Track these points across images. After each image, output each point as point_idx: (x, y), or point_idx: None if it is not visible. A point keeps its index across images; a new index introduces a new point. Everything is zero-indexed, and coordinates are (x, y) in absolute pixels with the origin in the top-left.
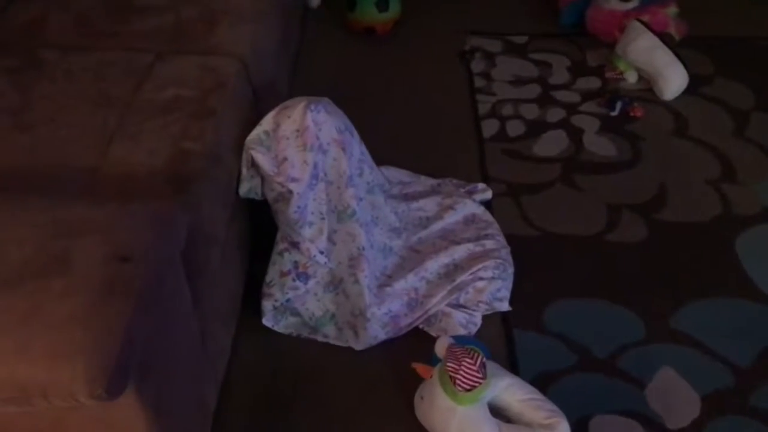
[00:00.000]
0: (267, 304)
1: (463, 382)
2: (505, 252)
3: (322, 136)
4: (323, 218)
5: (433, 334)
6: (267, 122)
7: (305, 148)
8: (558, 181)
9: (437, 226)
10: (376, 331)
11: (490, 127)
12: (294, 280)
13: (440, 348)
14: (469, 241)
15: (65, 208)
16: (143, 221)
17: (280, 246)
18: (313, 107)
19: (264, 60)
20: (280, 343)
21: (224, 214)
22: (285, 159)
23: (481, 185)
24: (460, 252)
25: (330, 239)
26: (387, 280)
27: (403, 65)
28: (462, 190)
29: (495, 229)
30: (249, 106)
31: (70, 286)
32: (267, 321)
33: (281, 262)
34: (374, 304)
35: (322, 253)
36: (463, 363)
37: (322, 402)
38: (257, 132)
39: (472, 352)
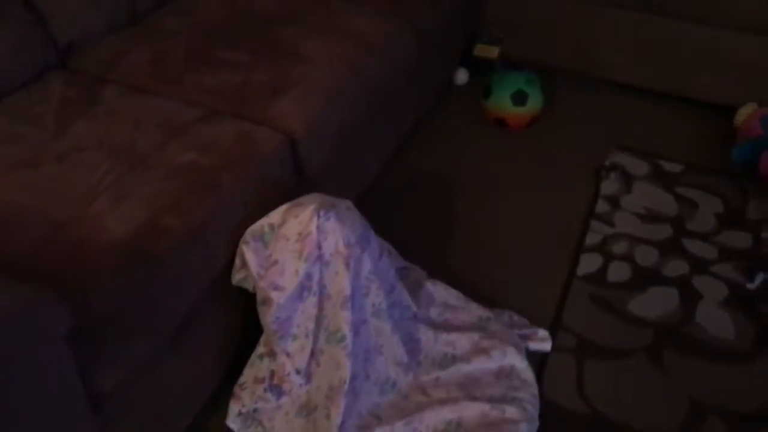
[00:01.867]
0: (234, 407)
1: None
2: (528, 429)
3: (325, 246)
4: (308, 336)
5: None
6: (276, 215)
7: (301, 256)
8: (642, 351)
9: (461, 369)
10: None
11: (589, 263)
12: (266, 390)
13: None
14: (489, 401)
15: None
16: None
17: (261, 349)
18: (322, 213)
19: (322, 141)
20: None
21: (182, 301)
22: (276, 262)
23: (542, 332)
24: (470, 412)
25: (315, 359)
26: (372, 421)
27: (525, 166)
28: (516, 331)
29: (530, 393)
30: (277, 187)
31: None
32: (232, 423)
33: (258, 366)
34: None
35: (298, 372)
36: None
37: None
38: (262, 223)
39: None
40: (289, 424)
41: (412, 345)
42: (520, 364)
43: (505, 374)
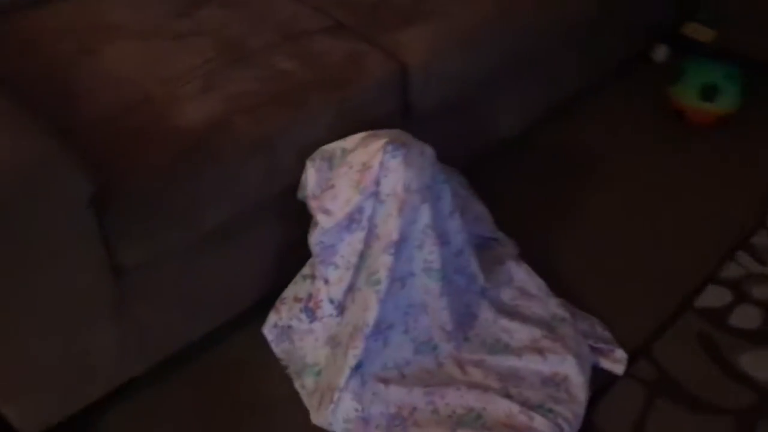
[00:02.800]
0: (272, 318)
1: None
2: None
3: (384, 183)
4: (349, 269)
5: None
6: (351, 141)
7: (357, 187)
8: (733, 414)
9: (509, 361)
10: (334, 419)
11: (713, 297)
12: (301, 311)
13: None
14: (522, 403)
15: None
16: None
17: (306, 270)
18: (390, 149)
19: (440, 82)
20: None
21: (231, 205)
22: (332, 187)
23: (620, 353)
24: (496, 407)
25: (352, 295)
26: (394, 376)
27: (687, 169)
28: (590, 342)
29: (572, 411)
30: (374, 119)
31: None
32: (267, 332)
33: (300, 285)
34: (350, 392)
35: (332, 302)
36: None
37: None
38: (336, 146)
39: None
40: (316, 350)
41: (465, 318)
42: (576, 377)
43: (553, 382)
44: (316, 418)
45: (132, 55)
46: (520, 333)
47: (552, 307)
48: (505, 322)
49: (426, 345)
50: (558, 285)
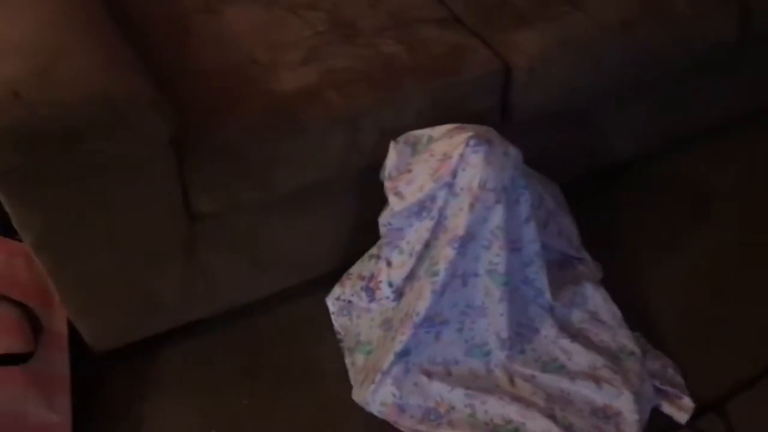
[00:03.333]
0: (336, 290)
1: None
2: None
3: (460, 176)
4: (412, 256)
5: None
6: (439, 130)
7: (433, 175)
8: None
9: (561, 383)
10: (371, 400)
11: None
12: (362, 289)
13: None
14: (565, 428)
15: None
16: None
17: (374, 250)
18: (472, 143)
19: (546, 89)
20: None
21: (307, 174)
22: (409, 171)
23: (687, 401)
24: (535, 425)
25: (411, 282)
26: (439, 372)
27: None
28: (656, 383)
29: None
30: (468, 115)
31: None
32: (330, 303)
33: (366, 264)
34: (392, 377)
35: (390, 286)
36: None
37: None
38: (424, 132)
39: None
40: (370, 329)
41: (525, 330)
42: (630, 415)
43: (604, 415)
44: (357, 395)
45: (249, 19)
46: (580, 357)
47: (622, 338)
48: (566, 342)
49: (479, 349)
50: (638, 320)
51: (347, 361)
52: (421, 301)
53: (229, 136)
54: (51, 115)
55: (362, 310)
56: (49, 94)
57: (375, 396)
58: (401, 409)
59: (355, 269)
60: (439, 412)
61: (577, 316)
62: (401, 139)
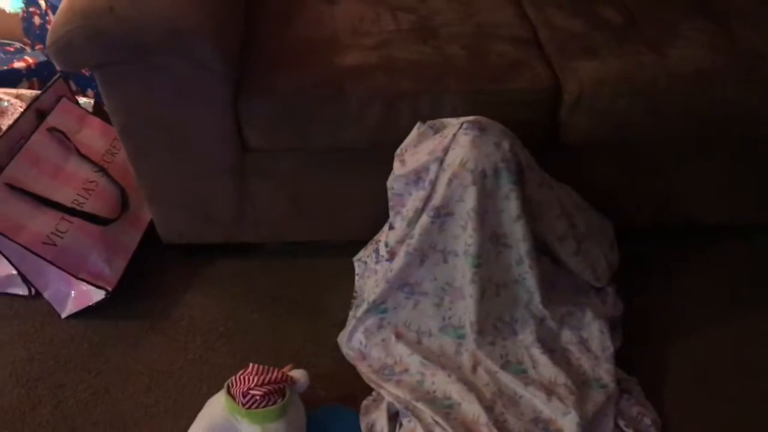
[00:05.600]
0: (361, 252)
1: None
2: None
3: (450, 154)
4: (405, 221)
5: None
6: (460, 119)
7: (429, 149)
8: None
9: (513, 384)
10: (343, 342)
11: None
12: (374, 251)
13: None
14: (495, 422)
15: None
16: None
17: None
18: (465, 126)
19: (594, 114)
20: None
21: (340, 138)
22: (418, 144)
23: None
24: (469, 409)
25: (401, 245)
26: (411, 337)
27: None
28: (622, 423)
29: None
30: (500, 120)
31: None
32: (355, 262)
33: (384, 229)
34: (364, 327)
35: (386, 246)
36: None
37: None
38: (450, 120)
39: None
40: (372, 288)
41: (502, 326)
42: None
43: (544, 426)
44: (339, 336)
45: (354, 10)
46: (544, 369)
47: (602, 371)
48: (537, 352)
49: (455, 330)
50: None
51: (350, 313)
52: (396, 260)
53: (280, 86)
54: (132, 28)
55: (371, 270)
56: (135, 13)
57: (348, 342)
58: (363, 356)
59: (378, 235)
60: (393, 370)
61: (566, 337)
62: (428, 123)
